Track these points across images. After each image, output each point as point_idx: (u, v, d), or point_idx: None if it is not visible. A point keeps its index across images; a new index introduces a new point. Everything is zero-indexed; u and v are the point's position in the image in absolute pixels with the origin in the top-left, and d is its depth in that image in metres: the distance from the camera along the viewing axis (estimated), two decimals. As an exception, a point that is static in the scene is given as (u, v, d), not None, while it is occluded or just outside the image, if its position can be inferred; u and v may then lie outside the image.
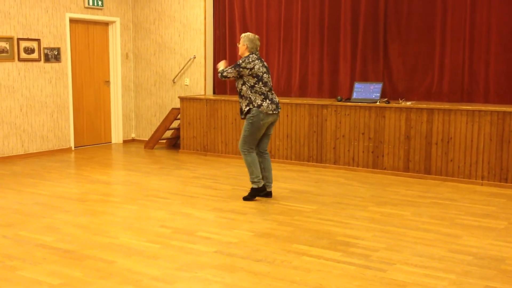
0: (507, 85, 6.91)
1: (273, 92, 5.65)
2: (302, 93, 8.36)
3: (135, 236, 4.53)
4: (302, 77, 8.34)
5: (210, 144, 8.46)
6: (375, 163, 7.15)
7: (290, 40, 8.39)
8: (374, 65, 7.73)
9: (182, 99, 8.70)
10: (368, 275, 3.70)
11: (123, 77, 9.70)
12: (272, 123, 5.69)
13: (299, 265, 3.89)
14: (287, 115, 7.74)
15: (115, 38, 9.53)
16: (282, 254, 4.10)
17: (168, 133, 9.37)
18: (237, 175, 7.05)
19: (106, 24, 9.48)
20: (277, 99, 5.66)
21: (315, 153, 7.59)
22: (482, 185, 6.45)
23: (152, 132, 9.39)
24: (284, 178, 6.87)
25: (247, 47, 5.55)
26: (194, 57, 9.11)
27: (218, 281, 3.61)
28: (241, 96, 5.57)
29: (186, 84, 9.26)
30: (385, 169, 7.08)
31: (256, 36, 5.61)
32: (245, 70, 5.45)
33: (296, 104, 7.67)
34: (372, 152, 7.15)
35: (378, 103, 7.13)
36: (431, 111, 6.73)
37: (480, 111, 6.45)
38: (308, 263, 3.92)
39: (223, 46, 9.05)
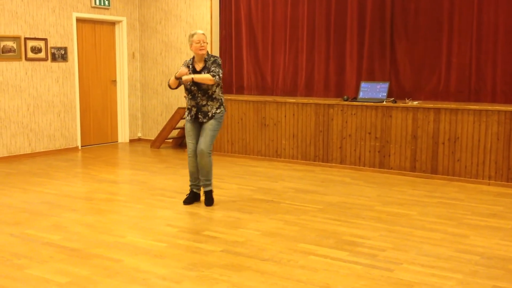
0: (515, 84, 6.88)
1: None
2: (308, 93, 8.36)
3: (142, 235, 4.55)
4: (308, 77, 8.33)
5: (216, 144, 8.46)
6: (382, 162, 7.13)
7: (296, 39, 8.38)
8: (381, 64, 7.71)
9: (188, 98, 8.70)
10: (374, 275, 3.69)
11: (129, 76, 9.73)
12: None
13: (305, 264, 3.88)
14: (293, 115, 7.74)
15: (122, 38, 9.56)
16: (289, 253, 4.10)
17: (175, 133, 9.38)
18: (243, 174, 7.05)
19: (112, 23, 9.50)
20: None
21: (321, 152, 7.58)
22: (489, 185, 6.42)
23: (159, 132, 9.41)
24: (290, 177, 6.87)
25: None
26: (200, 57, 9.11)
27: (225, 280, 3.61)
28: (213, 99, 5.32)
29: (192, 83, 9.26)
30: (391, 168, 7.06)
31: None
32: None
33: (302, 103, 7.67)
34: (379, 152, 7.14)
35: (384, 102, 7.12)
36: (438, 110, 6.71)
37: (487, 110, 6.42)
38: (315, 263, 3.91)
39: (229, 45, 9.06)
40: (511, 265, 3.88)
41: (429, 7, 7.33)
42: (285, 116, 7.81)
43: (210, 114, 5.36)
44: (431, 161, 6.80)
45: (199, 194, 5.59)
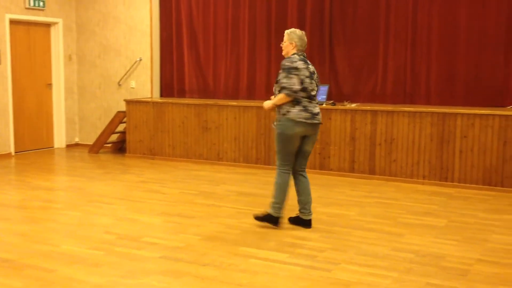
0: (447, 86, 7.15)
1: (312, 100, 4.69)
2: (250, 96, 8.39)
3: (78, 243, 4.41)
4: (249, 80, 8.36)
5: (157, 148, 8.35)
6: (322, 164, 7.24)
7: (237, 42, 8.40)
8: (320, 67, 7.83)
9: (128, 102, 8.55)
10: (314, 276, 3.74)
11: (66, 79, 9.43)
12: (307, 137, 4.72)
13: (246, 268, 3.88)
14: (235, 118, 7.74)
15: (58, 40, 9.26)
16: (229, 257, 4.09)
17: (114, 137, 9.17)
18: (185, 178, 6.99)
19: (48, 25, 9.20)
20: (317, 109, 4.73)
21: (263, 155, 7.62)
22: (423, 184, 6.65)
23: (97, 136, 9.17)
24: (233, 180, 6.86)
25: (295, 45, 4.71)
26: (140, 60, 8.97)
27: (164, 287, 3.55)
28: (278, 105, 4.69)
29: (132, 87, 9.10)
30: (331, 170, 7.18)
31: (303, 32, 4.80)
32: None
33: (244, 106, 7.68)
34: (319, 154, 7.24)
35: (324, 105, 7.23)
36: (374, 112, 6.89)
37: (421, 112, 6.65)
38: (255, 266, 3.92)
39: (170, 48, 8.96)
40: (444, 262, 4.02)
41: (366, 11, 7.52)
42: (227, 119, 7.80)
43: (275, 122, 4.76)
44: (368, 162, 6.96)
45: (302, 219, 4.86)
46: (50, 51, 9.28)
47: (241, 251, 4.23)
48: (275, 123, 4.78)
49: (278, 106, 4.67)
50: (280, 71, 4.65)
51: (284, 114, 4.63)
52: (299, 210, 4.90)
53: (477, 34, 6.93)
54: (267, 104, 4.74)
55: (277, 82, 4.68)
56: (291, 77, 4.56)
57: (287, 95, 4.57)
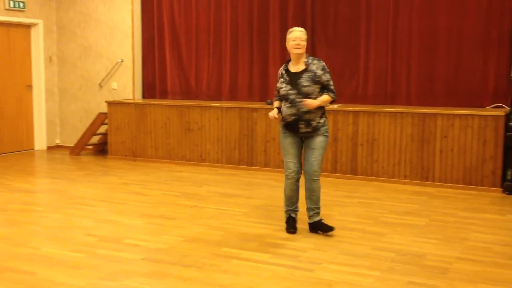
0: (428, 87, 7.22)
1: None
2: (233, 97, 8.38)
3: (59, 245, 4.36)
4: (232, 81, 8.36)
5: (139, 149, 8.30)
6: (304, 165, 7.26)
7: (219, 44, 8.39)
8: (302, 69, 7.86)
9: (109, 103, 8.49)
10: (296, 276, 3.75)
11: (46, 81, 9.34)
12: None
13: (228, 268, 3.88)
14: (218, 119, 7.73)
15: (38, 41, 9.16)
16: (212, 258, 4.08)
17: (95, 139, 9.10)
18: (167, 179, 6.96)
19: (28, 26, 9.10)
20: None
21: (246, 156, 7.62)
22: (404, 184, 6.70)
23: (78, 138, 9.09)
24: (215, 181, 6.85)
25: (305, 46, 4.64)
26: (122, 61, 8.92)
27: (146, 288, 3.54)
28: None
29: (113, 88, 9.04)
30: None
31: None
32: None
33: (227, 107, 7.68)
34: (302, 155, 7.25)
35: (306, 106, 7.25)
36: (356, 113, 6.94)
37: (402, 113, 6.71)
38: (238, 267, 3.92)
39: (152, 49, 8.92)
40: (425, 260, 4.06)
41: (348, 13, 7.56)
42: (209, 120, 7.79)
43: (313, 124, 4.57)
44: (351, 162, 7.01)
45: (296, 219, 4.85)
46: (30, 53, 9.18)
47: (224, 252, 4.22)
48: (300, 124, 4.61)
49: (319, 108, 4.56)
50: (321, 72, 4.57)
51: (326, 118, 4.70)
52: (311, 214, 4.78)
53: (456, 36, 7.01)
54: (313, 102, 4.48)
55: (316, 82, 4.54)
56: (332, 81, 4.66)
57: (334, 99, 4.64)
